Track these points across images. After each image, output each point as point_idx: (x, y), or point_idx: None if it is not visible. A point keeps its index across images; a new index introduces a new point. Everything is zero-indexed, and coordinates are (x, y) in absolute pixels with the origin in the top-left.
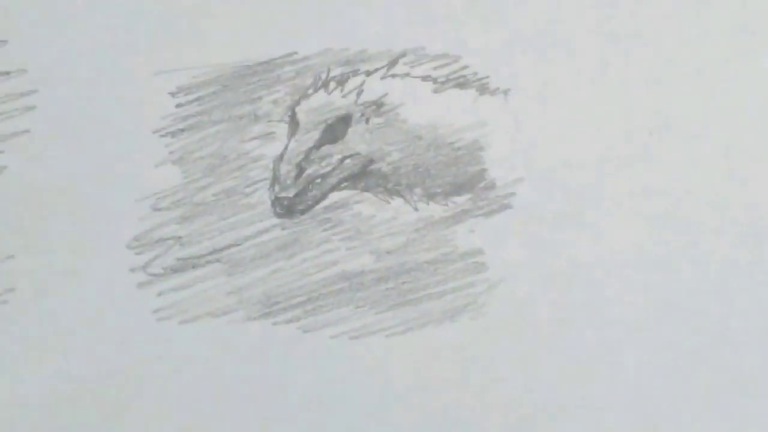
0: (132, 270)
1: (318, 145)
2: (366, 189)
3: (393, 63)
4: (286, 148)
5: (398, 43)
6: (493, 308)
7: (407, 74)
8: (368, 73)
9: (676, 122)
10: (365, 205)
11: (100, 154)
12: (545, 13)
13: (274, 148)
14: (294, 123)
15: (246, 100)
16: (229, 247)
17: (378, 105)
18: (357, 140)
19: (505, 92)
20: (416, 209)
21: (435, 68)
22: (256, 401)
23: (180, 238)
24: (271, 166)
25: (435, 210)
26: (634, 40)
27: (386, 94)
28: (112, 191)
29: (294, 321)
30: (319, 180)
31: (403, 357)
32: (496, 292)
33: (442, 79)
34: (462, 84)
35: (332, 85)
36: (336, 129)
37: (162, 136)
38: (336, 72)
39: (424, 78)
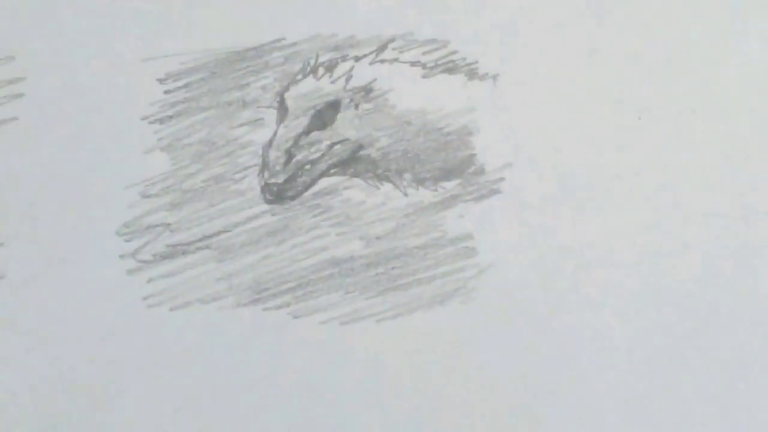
0: (121, 257)
1: (307, 131)
2: (355, 175)
3: (382, 48)
4: (275, 134)
5: (387, 29)
6: (482, 293)
7: (396, 60)
8: (357, 59)
9: (665, 106)
10: (355, 190)
11: (89, 141)
12: None
13: (263, 135)
14: (283, 109)
15: (234, 86)
16: (218, 233)
17: (367, 91)
18: (346, 126)
19: (494, 77)
20: (406, 195)
21: (424, 53)
22: (247, 387)
23: (169, 224)
24: (260, 152)
25: (424, 195)
26: (623, 24)
27: (375, 80)
28: (101, 178)
29: (284, 307)
30: (308, 166)
31: (393, 342)
32: (486, 276)
33: (431, 65)
34: (451, 69)
35: (321, 70)
36: (325, 115)
37: (151, 122)
38: (325, 58)
39: (413, 63)
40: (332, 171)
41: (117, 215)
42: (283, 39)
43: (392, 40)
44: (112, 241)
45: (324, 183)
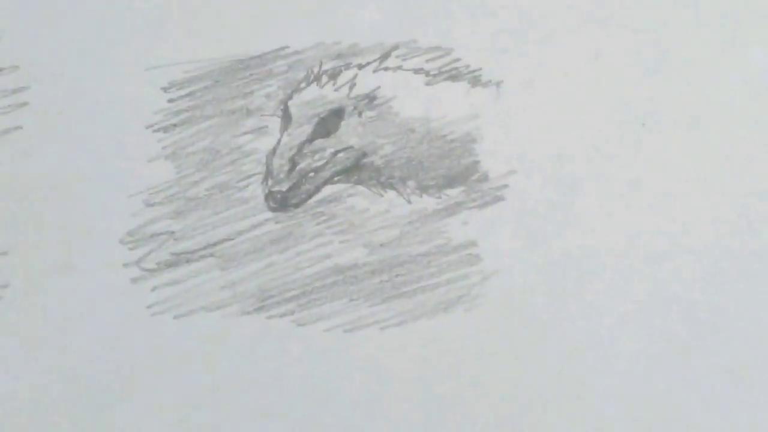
0: (125, 265)
1: (311, 139)
2: (359, 182)
3: (385, 56)
4: (278, 142)
5: (390, 36)
6: (486, 300)
7: (399, 67)
8: (360, 67)
9: (668, 113)
10: (358, 198)
11: (93, 150)
12: (536, 4)
13: (266, 143)
14: (286, 117)
15: (238, 94)
16: (222, 241)
17: (370, 98)
18: (350, 133)
19: (498, 84)
20: (409, 202)
21: (427, 61)
22: (251, 395)
23: (173, 233)
24: (263, 160)
25: (428, 202)
26: (626, 30)
27: (378, 88)
28: (105, 187)
29: (288, 315)
30: (312, 174)
31: (398, 349)
32: (490, 283)
33: (435, 72)
34: (454, 76)
35: (324, 78)
36: (329, 122)
37: (155, 131)
38: (328, 65)
39: (417, 71)
40: (336, 179)
41: (121, 223)
42: (287, 47)
43: (396, 47)
44: (116, 249)
45: (328, 191)
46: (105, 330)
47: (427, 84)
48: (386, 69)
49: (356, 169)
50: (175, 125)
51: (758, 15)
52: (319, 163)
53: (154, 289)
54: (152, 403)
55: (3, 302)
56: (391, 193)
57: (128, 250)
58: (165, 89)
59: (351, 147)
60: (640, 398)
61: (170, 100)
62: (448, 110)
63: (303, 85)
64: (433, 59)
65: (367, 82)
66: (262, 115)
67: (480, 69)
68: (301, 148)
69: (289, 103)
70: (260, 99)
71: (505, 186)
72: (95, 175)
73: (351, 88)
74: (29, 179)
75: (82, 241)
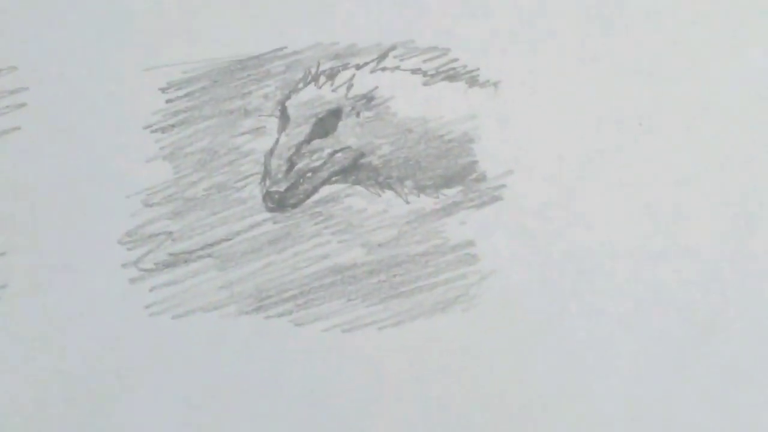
0: (124, 266)
1: (308, 139)
2: (357, 182)
3: (383, 56)
4: (276, 142)
5: (388, 37)
6: (484, 300)
7: (397, 67)
8: (358, 67)
9: (666, 112)
10: (356, 198)
11: (91, 151)
12: (534, 4)
13: (264, 143)
14: (284, 117)
15: (236, 94)
16: (220, 241)
17: (368, 98)
18: (347, 134)
19: (495, 84)
20: (407, 202)
21: (425, 61)
22: (249, 395)
23: (171, 233)
24: (262, 160)
25: (426, 202)
26: (623, 30)
27: (376, 88)
28: (103, 187)
29: (286, 315)
30: (310, 174)
31: (395, 349)
32: (488, 283)
33: (432, 72)
34: (452, 77)
35: (322, 79)
36: (326, 123)
37: (153, 131)
38: (326, 66)
39: (414, 71)
40: (334, 179)
41: (119, 224)
42: (285, 47)
43: (393, 47)
44: (115, 249)
45: (325, 191)
46: (103, 330)
47: (425, 84)
48: (384, 69)
49: (354, 169)
50: (173, 126)
51: (757, 15)
52: (317, 164)
53: (152, 289)
54: (150, 403)
55: (2, 303)
56: (388, 193)
57: (126, 250)
58: (163, 90)
59: (349, 147)
60: (638, 398)
61: (168, 101)
62: (446, 110)
63: (301, 85)
64: (430, 59)
65: (364, 82)
66: (260, 116)
67: (477, 69)
68: (299, 148)
69: (287, 103)
70: (258, 99)
71: (503, 186)
72: (93, 175)
73: (349, 89)
74: (27, 180)
75: (80, 241)
